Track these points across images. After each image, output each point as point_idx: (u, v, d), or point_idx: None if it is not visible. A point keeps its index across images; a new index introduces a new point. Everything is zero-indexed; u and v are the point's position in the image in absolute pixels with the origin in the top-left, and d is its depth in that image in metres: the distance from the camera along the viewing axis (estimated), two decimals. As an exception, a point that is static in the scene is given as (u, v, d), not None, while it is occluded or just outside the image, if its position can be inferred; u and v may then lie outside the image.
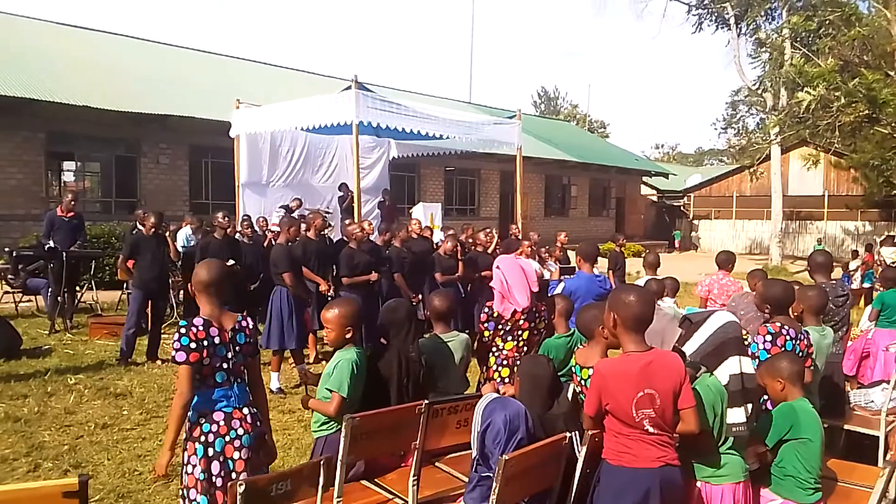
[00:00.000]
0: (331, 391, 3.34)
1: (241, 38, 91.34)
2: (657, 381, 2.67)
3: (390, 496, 3.34)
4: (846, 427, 4.84)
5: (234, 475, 2.97)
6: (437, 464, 3.69)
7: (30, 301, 10.11)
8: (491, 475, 2.79)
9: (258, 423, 3.13)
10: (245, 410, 3.06)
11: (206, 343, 2.93)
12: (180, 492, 3.06)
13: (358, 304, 3.60)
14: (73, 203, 9.24)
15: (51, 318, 9.02)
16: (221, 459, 2.97)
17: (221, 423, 2.98)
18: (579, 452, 2.99)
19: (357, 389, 3.38)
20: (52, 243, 8.84)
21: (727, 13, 24.00)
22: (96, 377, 6.90)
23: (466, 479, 3.21)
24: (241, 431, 3.01)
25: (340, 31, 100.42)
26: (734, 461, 3.02)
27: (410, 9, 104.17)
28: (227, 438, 2.98)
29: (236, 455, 2.99)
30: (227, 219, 8.11)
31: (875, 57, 18.46)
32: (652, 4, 77.28)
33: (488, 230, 10.25)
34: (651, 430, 2.68)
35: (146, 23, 78.93)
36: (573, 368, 3.52)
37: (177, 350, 2.91)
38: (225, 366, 3.00)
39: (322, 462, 2.88)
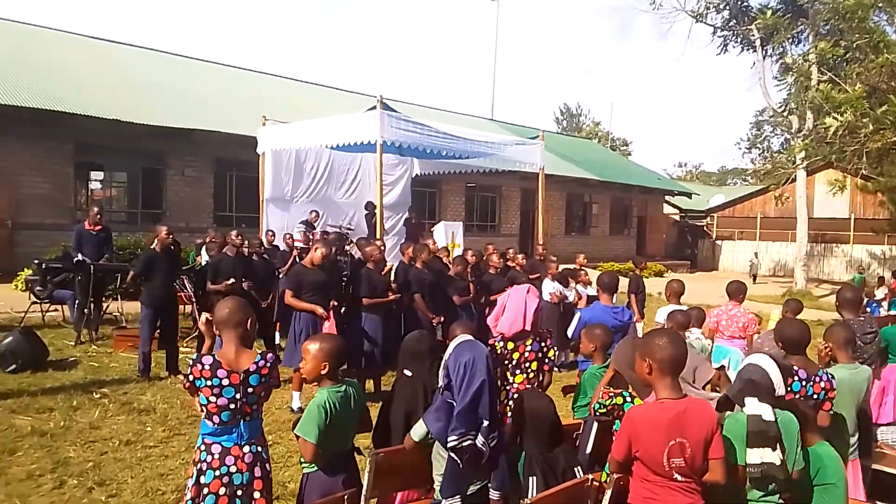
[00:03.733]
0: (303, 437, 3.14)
1: (266, 54, 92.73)
2: (689, 431, 2.66)
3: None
4: (873, 467, 4.74)
5: None
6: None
7: (56, 311, 10.26)
8: (453, 403, 2.79)
9: (259, 463, 3.07)
10: (246, 448, 3.02)
11: (210, 383, 2.93)
12: None
13: (341, 342, 3.40)
14: (99, 216, 9.40)
15: (77, 329, 9.15)
16: (206, 492, 2.96)
17: (217, 456, 2.98)
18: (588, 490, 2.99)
19: (335, 430, 3.13)
20: (80, 256, 8.99)
21: (753, 36, 23.87)
22: (120, 391, 6.99)
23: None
24: (233, 469, 2.98)
25: (366, 48, 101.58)
26: None
27: (434, 26, 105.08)
28: (217, 473, 2.97)
29: (222, 491, 2.96)
30: (240, 237, 8.20)
31: (904, 83, 18.18)
32: (676, 26, 77.18)
33: (511, 250, 10.19)
34: (679, 478, 2.66)
35: (173, 37, 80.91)
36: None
37: (185, 375, 3.03)
38: (232, 406, 2.98)
39: (346, 497, 2.90)
